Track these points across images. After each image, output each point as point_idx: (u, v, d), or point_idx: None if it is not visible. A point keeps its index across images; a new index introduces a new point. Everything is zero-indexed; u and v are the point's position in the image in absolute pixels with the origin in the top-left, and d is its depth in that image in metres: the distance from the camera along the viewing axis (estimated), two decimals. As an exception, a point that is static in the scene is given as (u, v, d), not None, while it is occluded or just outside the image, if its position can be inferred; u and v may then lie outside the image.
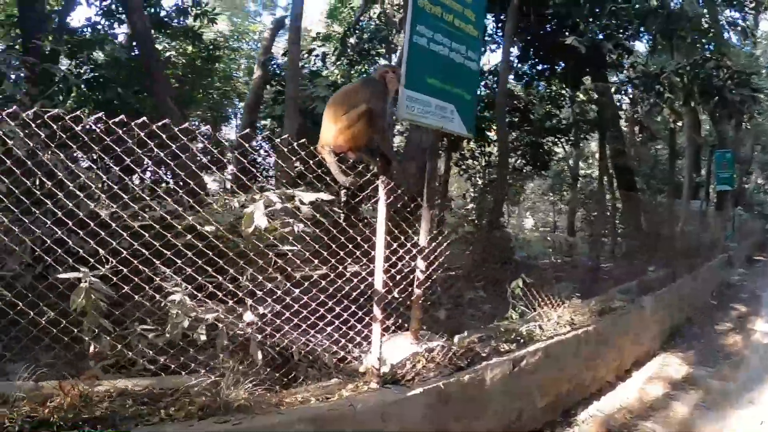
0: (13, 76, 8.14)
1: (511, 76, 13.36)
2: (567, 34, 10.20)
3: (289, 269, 4.61)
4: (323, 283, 4.43)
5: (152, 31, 12.15)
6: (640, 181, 17.18)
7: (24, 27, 10.45)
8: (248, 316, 4.26)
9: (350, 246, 4.44)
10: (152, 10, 12.43)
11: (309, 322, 4.17)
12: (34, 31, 10.09)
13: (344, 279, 4.47)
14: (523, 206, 22.65)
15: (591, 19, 10.54)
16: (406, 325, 4.86)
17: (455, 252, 12.89)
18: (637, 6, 10.43)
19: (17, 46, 10.36)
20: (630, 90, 11.50)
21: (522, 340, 5.19)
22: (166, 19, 12.75)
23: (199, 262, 3.80)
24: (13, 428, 2.70)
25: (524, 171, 15.47)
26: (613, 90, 11.76)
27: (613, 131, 12.16)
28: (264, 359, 4.05)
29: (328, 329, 4.29)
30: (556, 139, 14.43)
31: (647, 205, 12.41)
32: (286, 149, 4.08)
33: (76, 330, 3.48)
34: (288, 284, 4.38)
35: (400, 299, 4.78)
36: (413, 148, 8.69)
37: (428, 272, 4.63)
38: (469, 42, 4.75)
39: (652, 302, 7.72)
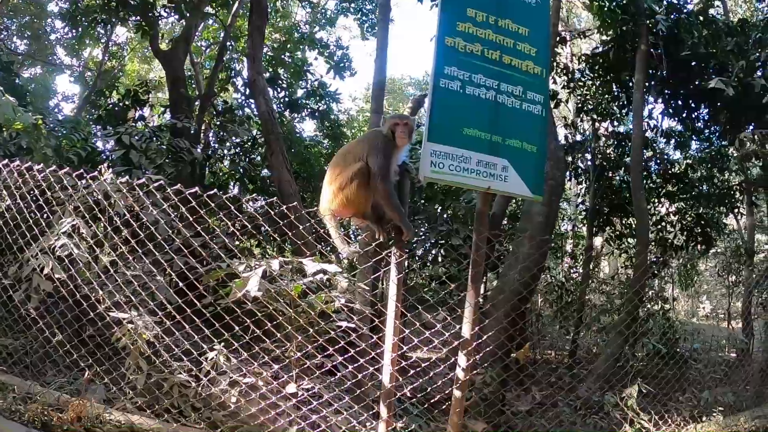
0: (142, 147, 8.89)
1: (655, 135, 11.60)
2: (713, 77, 8.52)
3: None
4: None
5: (284, 111, 12.98)
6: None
7: (172, 108, 11.61)
8: (291, 388, 4.19)
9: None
10: (286, 93, 13.32)
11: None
12: (181, 112, 11.18)
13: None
14: (698, 290, 19.40)
15: (737, 56, 8.70)
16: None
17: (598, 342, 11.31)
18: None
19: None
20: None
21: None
22: (300, 101, 13.52)
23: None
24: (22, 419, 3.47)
25: (689, 249, 13.20)
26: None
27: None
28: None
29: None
30: (721, 209, 12.07)
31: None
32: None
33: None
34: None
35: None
36: (530, 223, 7.57)
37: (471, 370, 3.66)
38: (529, 81, 3.88)
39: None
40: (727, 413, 5.54)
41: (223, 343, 4.21)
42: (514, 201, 9.50)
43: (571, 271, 13.37)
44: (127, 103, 11.78)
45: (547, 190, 7.20)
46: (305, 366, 4.34)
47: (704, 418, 5.20)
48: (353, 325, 4.53)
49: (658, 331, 10.19)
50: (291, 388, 4.24)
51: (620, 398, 5.15)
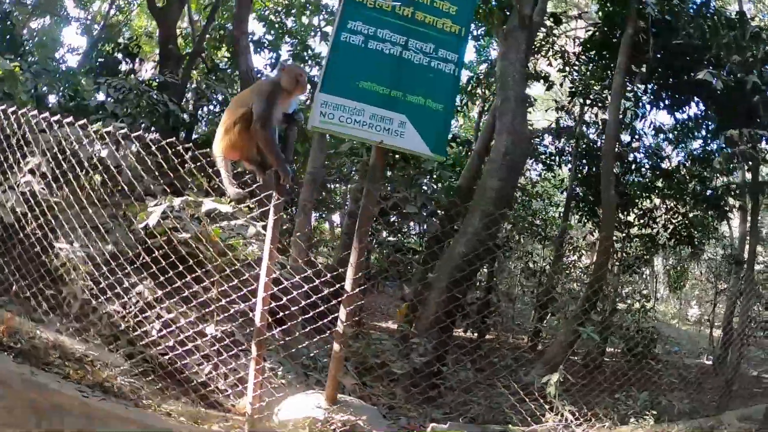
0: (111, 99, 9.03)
1: (644, 127, 11.24)
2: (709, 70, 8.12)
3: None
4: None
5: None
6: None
7: (163, 63, 11.69)
8: (210, 330, 4.28)
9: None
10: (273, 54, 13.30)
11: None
12: (169, 68, 11.28)
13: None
14: (690, 293, 19.07)
15: (733, 50, 8.29)
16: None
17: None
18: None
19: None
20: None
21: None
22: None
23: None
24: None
25: (676, 249, 12.98)
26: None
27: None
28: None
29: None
30: (711, 213, 11.65)
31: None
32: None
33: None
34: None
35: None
36: (483, 198, 7.40)
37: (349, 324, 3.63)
38: (443, 39, 3.79)
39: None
40: (666, 419, 5.45)
41: (151, 281, 4.38)
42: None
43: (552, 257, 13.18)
44: (118, 56, 11.85)
45: (505, 165, 7.08)
46: (226, 311, 4.36)
47: (632, 420, 5.12)
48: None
49: (632, 327, 10.05)
50: (210, 329, 4.34)
51: (540, 384, 5.10)
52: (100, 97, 10.41)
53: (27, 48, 13.15)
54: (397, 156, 8.21)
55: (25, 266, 4.60)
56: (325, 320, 3.70)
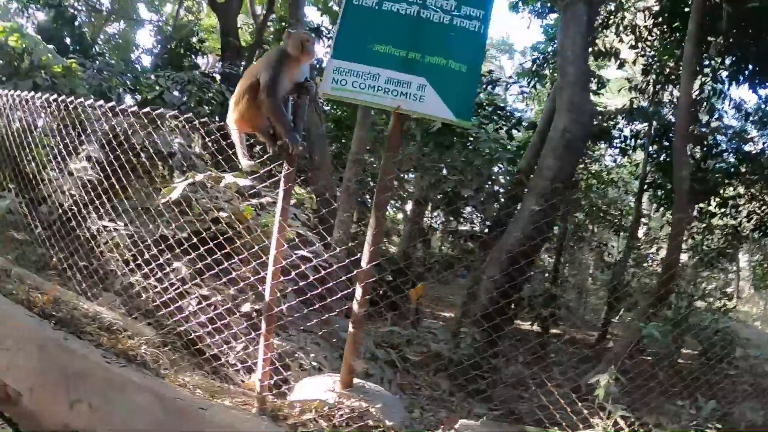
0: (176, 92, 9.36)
1: (724, 107, 10.17)
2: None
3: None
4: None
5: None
6: None
7: (223, 56, 12.03)
8: (246, 307, 4.28)
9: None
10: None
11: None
12: (230, 60, 11.62)
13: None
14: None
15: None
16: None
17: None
18: None
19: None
20: None
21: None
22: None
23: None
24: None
25: (762, 243, 11.82)
26: None
27: None
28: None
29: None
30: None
31: None
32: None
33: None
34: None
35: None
36: (540, 178, 7.01)
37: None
38: (465, -5, 3.47)
39: None
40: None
41: (188, 260, 4.44)
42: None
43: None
44: (182, 51, 12.33)
45: (563, 143, 6.64)
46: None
47: None
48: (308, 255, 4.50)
49: (711, 327, 9.19)
50: (245, 307, 4.33)
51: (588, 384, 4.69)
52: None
53: (97, 51, 13.92)
54: (455, 138, 7.93)
55: (63, 240, 4.80)
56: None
